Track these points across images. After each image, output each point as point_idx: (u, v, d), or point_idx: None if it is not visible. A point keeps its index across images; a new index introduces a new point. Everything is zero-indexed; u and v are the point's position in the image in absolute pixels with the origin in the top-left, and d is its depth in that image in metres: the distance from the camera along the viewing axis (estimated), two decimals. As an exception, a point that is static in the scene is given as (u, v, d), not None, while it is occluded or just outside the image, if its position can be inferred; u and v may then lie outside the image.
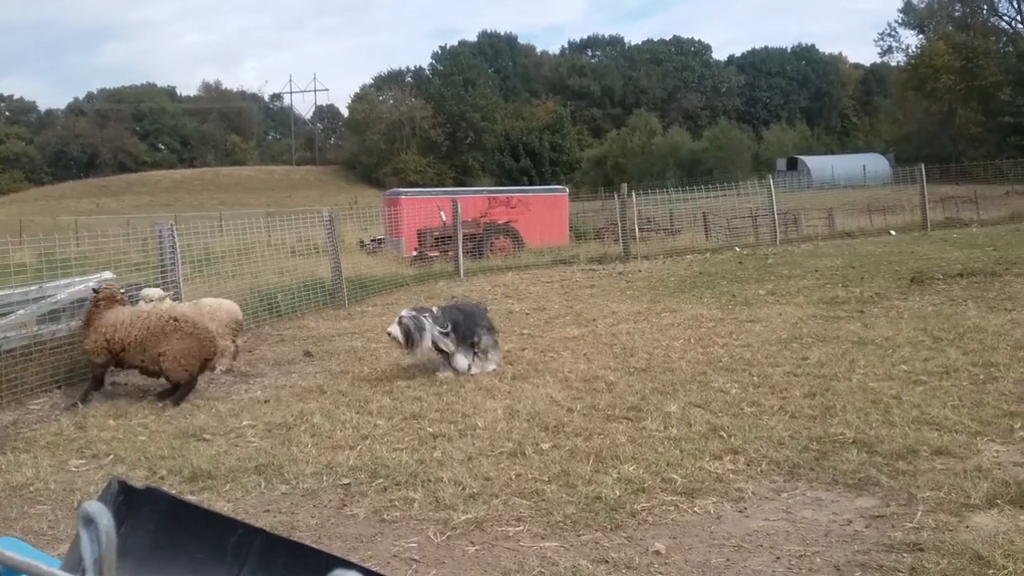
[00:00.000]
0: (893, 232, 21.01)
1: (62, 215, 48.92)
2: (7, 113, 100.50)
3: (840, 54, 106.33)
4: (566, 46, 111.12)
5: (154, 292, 8.40)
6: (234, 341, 8.50)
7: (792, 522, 4.07)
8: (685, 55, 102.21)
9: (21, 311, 8.03)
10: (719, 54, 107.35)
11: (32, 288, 8.43)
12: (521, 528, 4.12)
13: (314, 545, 2.49)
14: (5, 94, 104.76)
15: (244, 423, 6.29)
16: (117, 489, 2.11)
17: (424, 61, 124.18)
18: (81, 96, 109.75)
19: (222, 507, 4.40)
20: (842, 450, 4.96)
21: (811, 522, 4.06)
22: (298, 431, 5.96)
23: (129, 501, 2.09)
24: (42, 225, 34.36)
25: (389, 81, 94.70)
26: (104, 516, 0.56)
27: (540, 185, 47.76)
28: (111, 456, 5.64)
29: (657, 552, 3.79)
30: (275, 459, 5.32)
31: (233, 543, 2.13)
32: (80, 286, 8.62)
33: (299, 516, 4.43)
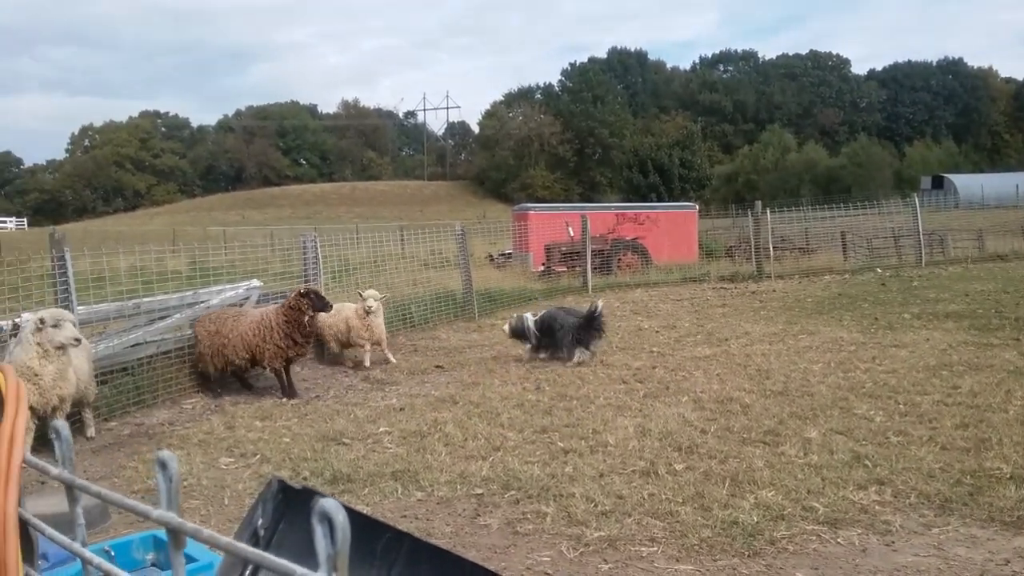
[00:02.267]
0: (1052, 256, 19.62)
1: (211, 226, 51.79)
2: (163, 129, 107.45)
3: (990, 68, 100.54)
4: (697, 61, 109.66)
5: (376, 293, 9.42)
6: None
7: (944, 559, 3.85)
8: (822, 69, 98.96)
9: (177, 315, 8.54)
10: (858, 68, 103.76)
11: (187, 294, 8.96)
12: (655, 549, 4.06)
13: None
14: (161, 111, 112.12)
15: (381, 429, 6.48)
16: (277, 488, 2.22)
17: (554, 78, 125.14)
18: (230, 113, 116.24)
19: (361, 511, 4.54)
20: (999, 485, 4.66)
21: (965, 560, 3.83)
22: (432, 439, 6.08)
23: (287, 500, 2.19)
24: (193, 235, 36.47)
25: (519, 98, 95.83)
26: (340, 514, 0.59)
27: (669, 201, 47.17)
28: (258, 456, 5.92)
29: (798, 582, 3.66)
30: (411, 466, 5.45)
31: (382, 546, 2.20)
32: (230, 292, 9.11)
33: (434, 523, 4.52)
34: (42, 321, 5.76)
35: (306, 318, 7.89)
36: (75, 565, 2.76)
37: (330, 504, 0.61)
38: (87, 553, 0.77)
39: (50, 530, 0.79)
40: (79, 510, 0.80)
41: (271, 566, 0.62)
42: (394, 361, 9.45)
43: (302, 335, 7.94)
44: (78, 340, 5.89)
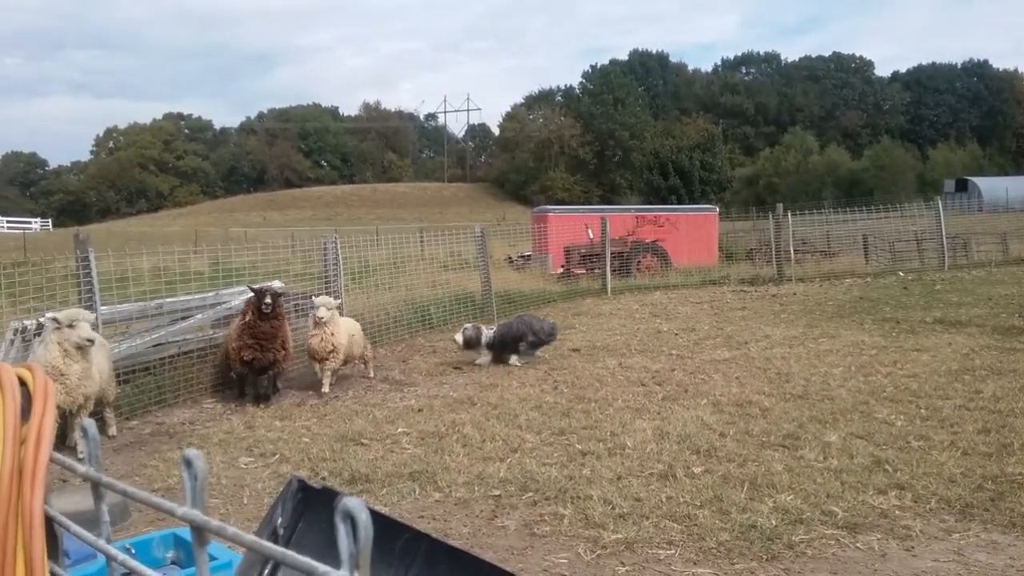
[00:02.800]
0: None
1: (233, 227, 52.12)
2: (186, 131, 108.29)
3: (1016, 70, 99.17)
4: (719, 63, 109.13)
5: (329, 300, 8.43)
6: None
7: (964, 565, 3.82)
8: (845, 72, 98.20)
9: (199, 315, 8.62)
10: (882, 71, 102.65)
11: (209, 295, 9.04)
12: (673, 552, 4.06)
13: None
14: (185, 113, 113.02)
15: (399, 430, 6.51)
16: (296, 487, 2.24)
17: (574, 80, 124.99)
18: (252, 115, 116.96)
19: (379, 511, 4.56)
20: (1021, 491, 4.63)
21: (985, 566, 3.80)
22: (450, 440, 6.10)
23: (307, 499, 2.21)
24: (215, 236, 36.72)
25: (539, 100, 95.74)
26: (363, 512, 0.60)
27: (689, 204, 46.96)
28: (277, 455, 5.96)
29: (817, 587, 3.64)
30: (429, 467, 5.47)
31: (400, 546, 2.21)
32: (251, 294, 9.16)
33: (452, 524, 4.53)
34: (57, 321, 5.82)
35: (247, 319, 7.63)
36: (96, 563, 2.80)
37: (354, 503, 0.62)
38: (112, 550, 0.79)
39: (75, 527, 0.81)
40: (104, 507, 0.82)
41: (294, 564, 0.64)
42: (372, 376, 8.91)
43: (253, 338, 7.55)
44: (91, 341, 5.91)
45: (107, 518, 0.81)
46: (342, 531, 0.61)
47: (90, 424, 0.82)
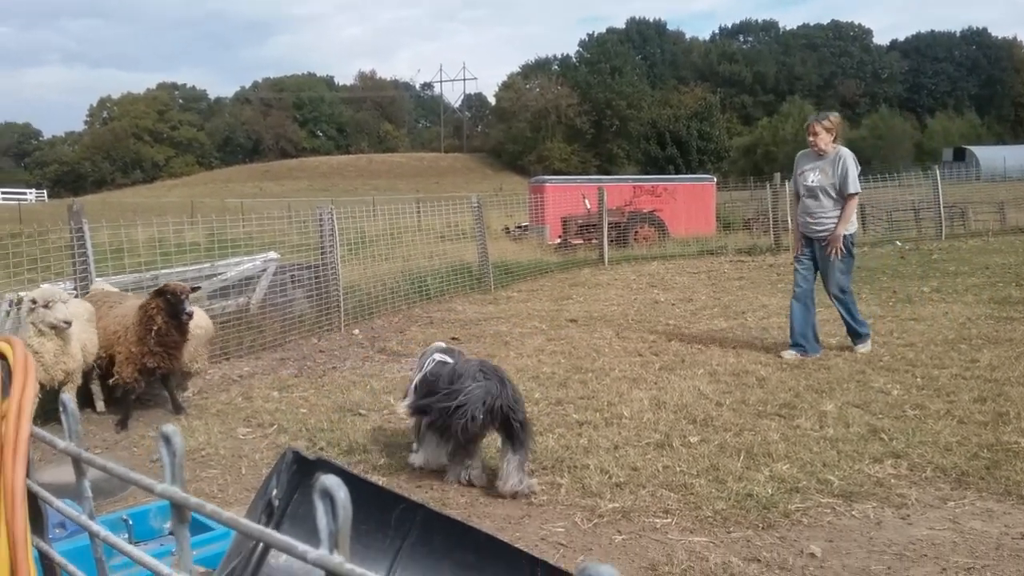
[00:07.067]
0: (1076, 228, 19.34)
1: (229, 198, 52.00)
2: (180, 101, 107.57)
3: (1015, 38, 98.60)
4: (716, 32, 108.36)
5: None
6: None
7: (960, 532, 3.84)
8: (844, 40, 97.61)
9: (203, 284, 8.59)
10: (880, 39, 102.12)
11: (205, 266, 9.01)
12: (669, 520, 4.07)
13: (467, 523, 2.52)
14: (179, 83, 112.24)
15: (397, 400, 6.50)
16: (291, 459, 2.22)
17: (571, 49, 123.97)
18: (247, 85, 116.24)
19: (377, 481, 4.57)
20: (1016, 459, 4.63)
21: (980, 534, 3.82)
22: (447, 411, 6.10)
23: (302, 470, 2.20)
24: (211, 207, 36.60)
25: (536, 69, 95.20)
26: (341, 491, 0.59)
27: (687, 174, 46.81)
28: (275, 426, 5.97)
29: (812, 554, 3.66)
30: (426, 437, 5.47)
31: (396, 516, 2.21)
32: (248, 264, 9.15)
33: (449, 494, 4.54)
34: (33, 301, 5.70)
35: (156, 325, 6.06)
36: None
37: (331, 480, 0.60)
38: (94, 526, 0.77)
39: (57, 502, 0.80)
40: (86, 483, 0.81)
41: (274, 543, 0.62)
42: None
43: (159, 344, 6.11)
44: (68, 322, 5.70)
45: (89, 493, 0.80)
46: (321, 509, 0.59)
47: (69, 399, 0.80)
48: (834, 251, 7.27)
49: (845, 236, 7.32)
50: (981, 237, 18.68)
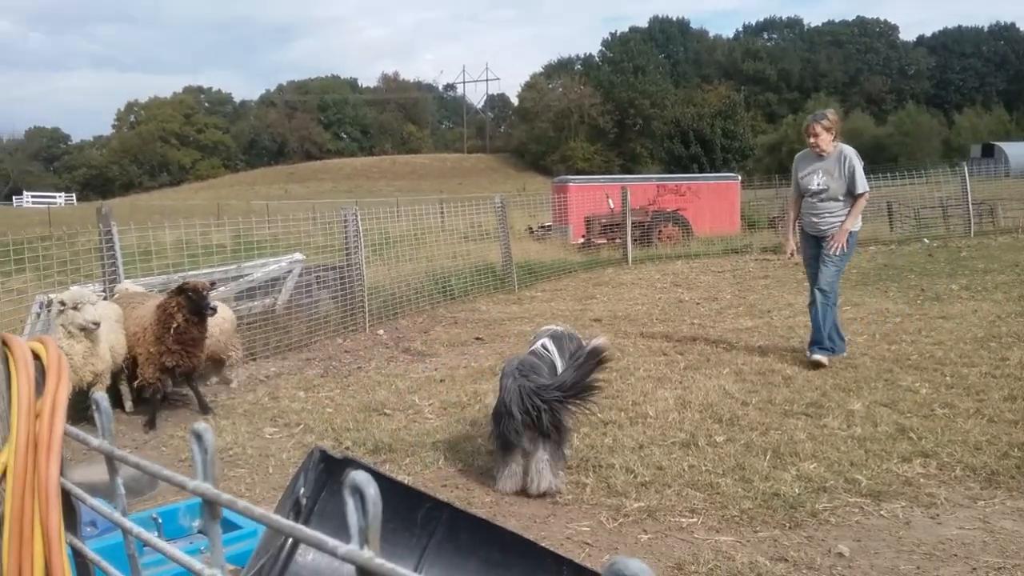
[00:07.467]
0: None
1: (254, 199, 52.41)
2: (206, 104, 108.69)
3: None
4: (740, 29, 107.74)
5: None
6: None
7: (990, 532, 3.79)
8: (869, 36, 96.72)
9: (222, 288, 8.67)
10: (907, 35, 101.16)
11: (231, 267, 9.08)
12: (695, 520, 4.06)
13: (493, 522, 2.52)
14: (205, 87, 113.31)
15: (421, 400, 6.53)
16: (319, 457, 2.24)
17: (594, 48, 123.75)
18: (272, 88, 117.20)
19: (402, 480, 4.58)
20: (1048, 459, 4.57)
21: (1011, 533, 3.77)
22: (472, 410, 6.12)
23: (329, 469, 2.21)
24: (237, 209, 36.87)
25: (559, 69, 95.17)
26: (371, 487, 0.59)
27: (711, 172, 46.54)
28: (301, 426, 6.01)
29: (840, 554, 3.63)
30: (451, 436, 5.49)
31: (422, 515, 2.21)
32: (273, 266, 9.22)
33: (475, 493, 4.56)
34: (63, 303, 5.78)
35: (176, 323, 6.07)
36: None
37: (361, 476, 0.61)
38: (127, 522, 0.78)
39: (91, 500, 0.81)
40: (119, 480, 0.82)
41: (304, 538, 0.63)
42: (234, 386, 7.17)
43: (177, 342, 6.12)
44: (96, 324, 5.77)
45: (122, 491, 0.81)
46: (351, 505, 0.60)
47: (102, 398, 0.81)
48: (836, 247, 7.12)
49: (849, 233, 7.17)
50: (1011, 234, 18.39)
